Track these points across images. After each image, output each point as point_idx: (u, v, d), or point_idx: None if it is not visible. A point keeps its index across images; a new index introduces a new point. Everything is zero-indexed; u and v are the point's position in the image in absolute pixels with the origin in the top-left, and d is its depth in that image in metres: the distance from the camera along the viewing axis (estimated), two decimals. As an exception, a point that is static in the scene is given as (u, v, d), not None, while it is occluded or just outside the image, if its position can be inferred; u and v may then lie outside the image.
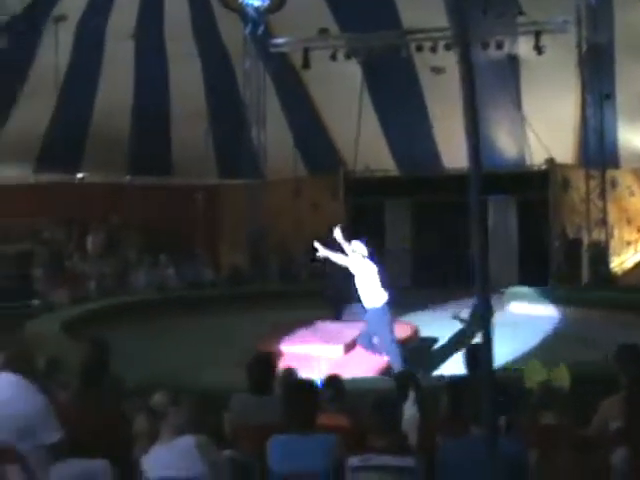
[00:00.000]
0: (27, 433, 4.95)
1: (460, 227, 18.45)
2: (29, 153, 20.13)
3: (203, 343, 12.67)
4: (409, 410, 5.55)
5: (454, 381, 6.37)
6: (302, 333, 12.34)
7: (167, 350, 11.96)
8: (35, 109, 18.65)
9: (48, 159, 20.08)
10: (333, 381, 6.27)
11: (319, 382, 5.95)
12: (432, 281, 18.93)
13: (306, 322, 13.09)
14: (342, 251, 10.84)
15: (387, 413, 4.63)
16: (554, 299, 16.80)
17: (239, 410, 5.85)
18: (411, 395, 5.73)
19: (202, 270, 20.08)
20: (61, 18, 17.77)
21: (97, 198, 20.47)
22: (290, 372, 6.58)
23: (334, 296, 14.90)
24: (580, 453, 4.85)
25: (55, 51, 17.90)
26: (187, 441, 4.47)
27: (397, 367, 9.90)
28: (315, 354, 10.80)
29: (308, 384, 5.30)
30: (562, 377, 6.78)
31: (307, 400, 4.98)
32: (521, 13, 17.15)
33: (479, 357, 3.78)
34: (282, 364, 6.71)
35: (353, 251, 10.68)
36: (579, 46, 17.66)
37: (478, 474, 3.85)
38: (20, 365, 5.18)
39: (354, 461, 4.48)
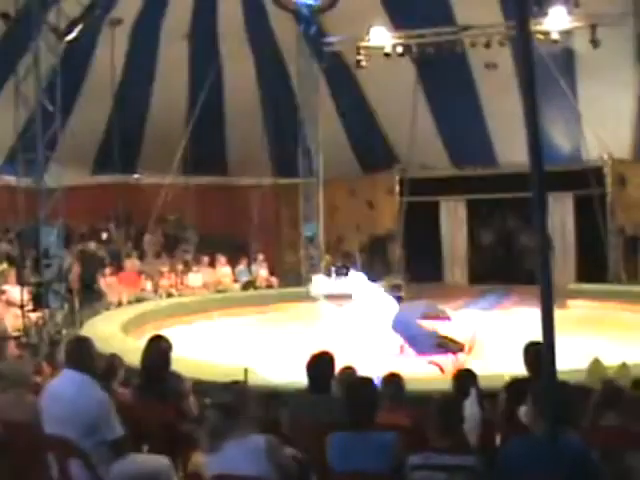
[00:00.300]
0: (90, 429, 5.04)
1: (517, 224, 18.37)
2: (87, 155, 20.43)
3: (258, 342, 12.74)
4: (469, 409, 5.51)
5: (513, 380, 6.32)
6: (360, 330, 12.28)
7: (224, 349, 12.03)
8: (92, 112, 18.91)
9: (105, 160, 20.35)
10: (393, 379, 6.26)
11: (379, 380, 5.94)
12: (489, 278, 18.83)
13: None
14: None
15: (448, 412, 4.60)
16: (612, 296, 16.60)
17: (297, 408, 5.87)
18: (472, 394, 5.68)
19: (258, 269, 20.20)
20: (117, 22, 18.01)
21: (154, 198, 20.68)
22: (349, 370, 6.56)
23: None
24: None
25: (111, 54, 18.14)
26: (256, 440, 4.47)
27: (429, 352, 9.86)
28: (373, 350, 10.79)
29: (367, 382, 5.29)
30: (624, 375, 6.68)
31: (366, 398, 4.97)
32: (576, 5, 16.88)
33: (540, 356, 3.73)
34: (340, 362, 6.69)
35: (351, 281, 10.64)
36: (638, 37, 17.29)
37: (540, 474, 3.82)
38: (82, 363, 5.28)
39: (414, 459, 4.45)
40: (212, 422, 4.49)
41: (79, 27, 15.73)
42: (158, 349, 6.81)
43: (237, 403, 4.61)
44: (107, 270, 17.51)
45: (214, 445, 4.46)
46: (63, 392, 5.18)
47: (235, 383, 5.04)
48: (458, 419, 4.73)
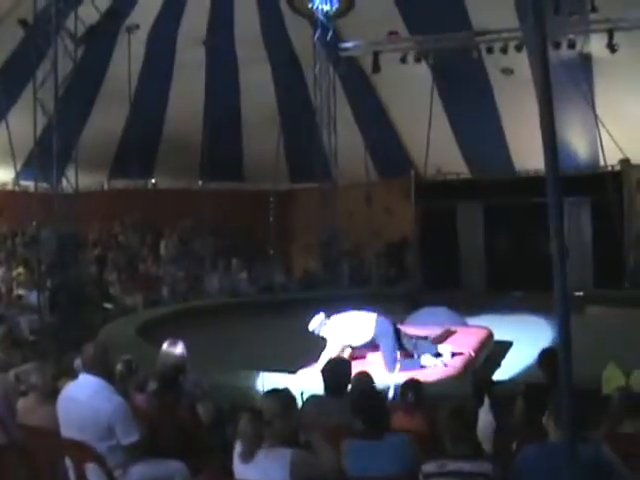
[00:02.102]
0: (106, 433, 5.07)
1: (533, 229, 18.25)
2: (104, 160, 20.52)
3: (274, 347, 12.68)
4: (484, 416, 5.48)
5: (530, 386, 6.28)
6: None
7: (241, 354, 12.01)
8: (109, 117, 19.01)
9: (122, 166, 20.43)
10: (412, 385, 6.24)
11: (396, 386, 5.92)
12: (506, 284, 18.72)
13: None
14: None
15: (464, 418, 4.55)
16: (629, 302, 16.48)
17: (313, 412, 5.86)
18: (487, 400, 5.65)
19: (274, 274, 20.19)
20: (134, 28, 18.10)
21: (170, 203, 20.75)
22: (364, 376, 6.55)
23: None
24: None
25: (128, 60, 18.22)
26: (283, 453, 4.45)
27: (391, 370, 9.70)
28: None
29: (375, 390, 5.28)
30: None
31: (378, 405, 4.96)
32: (594, 10, 16.78)
33: (556, 362, 3.71)
34: (356, 367, 6.67)
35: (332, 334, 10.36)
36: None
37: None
38: (99, 368, 5.31)
39: (429, 467, 4.41)
40: (243, 428, 4.48)
41: (96, 33, 15.86)
42: (174, 354, 6.84)
43: (281, 411, 4.60)
44: (123, 275, 17.58)
45: (246, 452, 4.46)
46: (79, 396, 5.21)
47: (279, 391, 5.03)
48: (472, 422, 4.69)
